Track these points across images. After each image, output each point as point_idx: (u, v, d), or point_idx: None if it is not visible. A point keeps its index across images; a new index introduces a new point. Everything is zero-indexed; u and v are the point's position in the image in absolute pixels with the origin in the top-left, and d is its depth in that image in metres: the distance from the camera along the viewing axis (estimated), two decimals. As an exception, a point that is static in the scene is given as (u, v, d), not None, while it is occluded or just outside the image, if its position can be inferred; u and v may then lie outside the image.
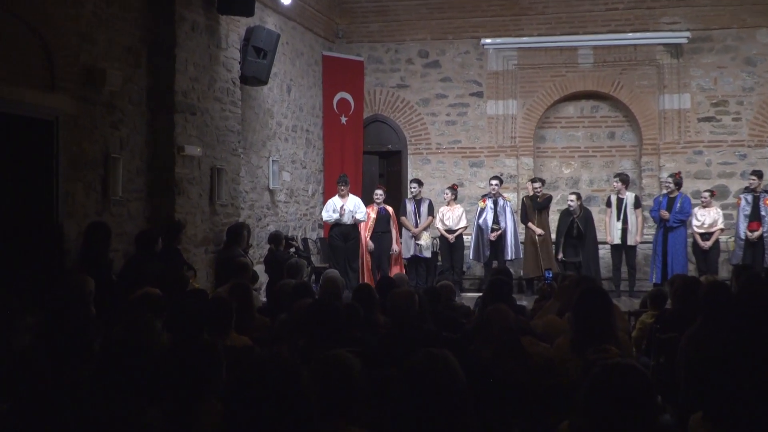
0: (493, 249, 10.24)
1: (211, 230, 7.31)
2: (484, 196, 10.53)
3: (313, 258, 10.39)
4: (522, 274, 10.55)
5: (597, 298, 3.60)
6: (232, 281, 5.43)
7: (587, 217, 10.24)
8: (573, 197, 10.24)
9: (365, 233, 9.96)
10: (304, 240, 10.54)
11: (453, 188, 10.53)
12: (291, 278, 5.90)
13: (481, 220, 10.27)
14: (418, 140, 11.95)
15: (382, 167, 12.46)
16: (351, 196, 9.90)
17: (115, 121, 6.27)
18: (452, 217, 10.28)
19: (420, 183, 10.49)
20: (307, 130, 10.94)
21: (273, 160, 9.61)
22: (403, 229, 10.31)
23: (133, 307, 3.96)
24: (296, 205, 10.61)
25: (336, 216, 9.73)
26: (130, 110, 6.45)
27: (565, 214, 10.29)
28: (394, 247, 10.05)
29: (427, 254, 10.21)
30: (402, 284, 5.80)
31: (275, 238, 8.07)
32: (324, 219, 9.99)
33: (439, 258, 10.57)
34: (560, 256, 10.09)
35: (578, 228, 10.11)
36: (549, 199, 10.47)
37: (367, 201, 10.55)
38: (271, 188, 9.64)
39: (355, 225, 9.82)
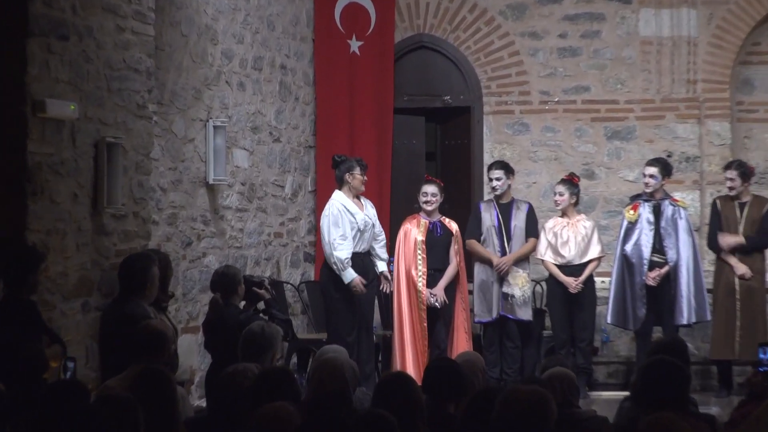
0: (654, 303, 10.25)
1: (95, 265, 7.39)
2: (634, 199, 10.56)
3: (295, 320, 10.44)
4: (709, 354, 10.55)
5: None
6: (135, 365, 5.48)
7: None
8: None
9: (411, 271, 10.02)
10: (277, 284, 10.60)
11: (573, 181, 10.59)
12: (252, 360, 5.93)
13: (628, 247, 10.30)
14: (503, 86, 12.05)
15: (432, 140, 12.59)
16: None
17: None
18: (574, 239, 10.36)
19: (509, 170, 10.55)
20: (282, 66, 11.06)
21: (215, 127, 9.72)
22: (477, 264, 10.37)
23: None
24: (262, 215, 10.72)
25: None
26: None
27: None
28: (438, 293, 10.02)
29: (524, 314, 10.26)
30: (473, 373, 5.81)
31: (225, 282, 8.11)
32: (340, 257, 9.71)
33: (548, 321, 10.63)
34: None
35: None
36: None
37: (404, 208, 10.58)
38: (211, 182, 9.75)
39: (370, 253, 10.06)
